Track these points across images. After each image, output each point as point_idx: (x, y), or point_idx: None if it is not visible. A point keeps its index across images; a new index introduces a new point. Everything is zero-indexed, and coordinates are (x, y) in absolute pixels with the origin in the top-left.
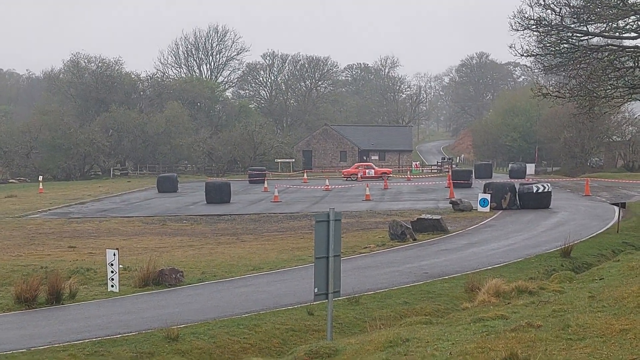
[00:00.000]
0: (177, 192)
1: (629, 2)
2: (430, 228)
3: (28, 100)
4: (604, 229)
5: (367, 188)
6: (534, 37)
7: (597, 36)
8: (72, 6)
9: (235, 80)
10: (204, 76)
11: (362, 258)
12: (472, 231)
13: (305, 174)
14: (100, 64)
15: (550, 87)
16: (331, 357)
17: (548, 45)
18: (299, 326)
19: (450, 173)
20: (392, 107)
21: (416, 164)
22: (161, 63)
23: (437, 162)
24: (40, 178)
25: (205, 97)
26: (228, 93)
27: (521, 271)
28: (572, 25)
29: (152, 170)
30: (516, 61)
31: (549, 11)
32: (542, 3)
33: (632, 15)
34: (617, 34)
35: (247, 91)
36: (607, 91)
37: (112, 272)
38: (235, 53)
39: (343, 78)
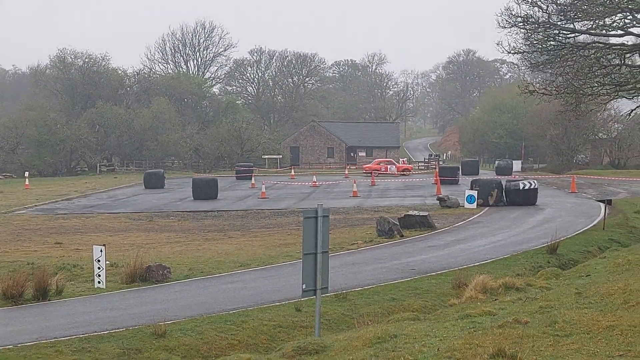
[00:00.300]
0: (164, 188)
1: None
2: (417, 224)
3: (14, 96)
4: (590, 225)
5: (355, 184)
6: (521, 35)
7: (584, 34)
8: (59, 1)
9: (223, 76)
10: (191, 72)
11: (350, 254)
12: (459, 228)
13: (292, 170)
14: (86, 60)
15: (537, 85)
16: (319, 354)
17: (535, 42)
18: (287, 322)
19: (437, 170)
20: (379, 104)
21: (403, 161)
22: (148, 59)
23: (424, 159)
24: (27, 174)
25: (192, 93)
26: (215, 89)
27: (508, 268)
28: (559, 23)
29: (139, 166)
30: (503, 58)
31: (536, 8)
32: (530, 0)
33: (619, 12)
34: (604, 31)
35: (234, 87)
36: (594, 88)
37: (99, 268)
38: (222, 49)
39: (330, 74)
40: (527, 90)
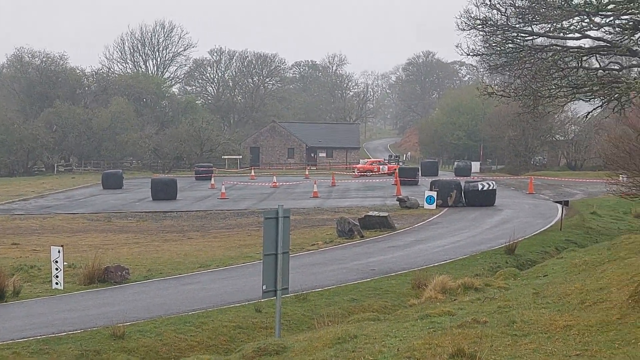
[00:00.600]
0: (123, 188)
1: (573, 3)
2: (377, 225)
3: None
4: (548, 226)
5: (315, 185)
6: (479, 37)
7: (542, 36)
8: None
9: (182, 76)
10: (150, 72)
11: (310, 255)
12: (418, 228)
13: (252, 171)
14: (44, 59)
15: (496, 87)
16: (279, 354)
17: (494, 45)
18: (247, 323)
19: (397, 170)
20: (339, 105)
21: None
22: (106, 58)
23: (384, 160)
24: None
25: (151, 93)
26: (174, 89)
27: (467, 268)
28: (517, 26)
29: (97, 167)
30: (462, 60)
31: (494, 11)
32: (488, 3)
33: (576, 16)
34: (561, 34)
35: (193, 87)
36: (551, 91)
37: (56, 269)
38: (181, 49)
39: (291, 75)
40: (486, 92)
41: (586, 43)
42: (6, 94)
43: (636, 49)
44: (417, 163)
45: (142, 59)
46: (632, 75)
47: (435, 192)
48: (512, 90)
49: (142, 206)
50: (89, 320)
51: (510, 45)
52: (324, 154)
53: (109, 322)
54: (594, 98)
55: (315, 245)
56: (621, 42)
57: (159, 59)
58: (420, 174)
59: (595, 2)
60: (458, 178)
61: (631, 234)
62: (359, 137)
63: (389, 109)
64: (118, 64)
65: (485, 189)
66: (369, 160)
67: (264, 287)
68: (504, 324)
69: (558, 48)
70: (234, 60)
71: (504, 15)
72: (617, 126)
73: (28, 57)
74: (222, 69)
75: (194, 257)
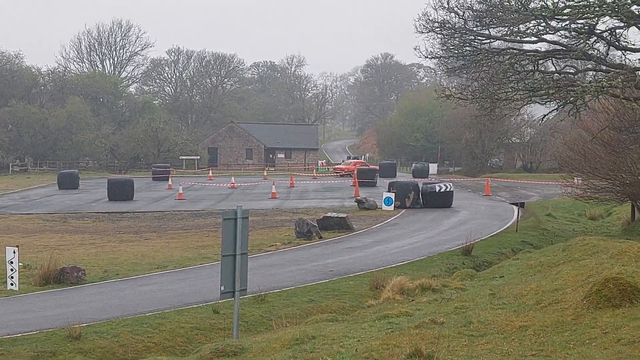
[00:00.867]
0: (79, 189)
1: (529, 7)
2: (336, 226)
3: None
4: (504, 228)
5: (274, 186)
6: (438, 40)
7: (499, 40)
8: None
9: (139, 75)
10: (107, 71)
11: (268, 256)
12: (377, 229)
13: (210, 172)
14: None
15: (453, 89)
16: (237, 356)
17: (451, 47)
18: (204, 325)
19: (355, 172)
20: (298, 106)
21: (322, 163)
22: (63, 57)
23: (343, 161)
24: None
25: (108, 93)
26: (132, 89)
27: (424, 269)
28: (475, 29)
29: (53, 167)
30: (420, 63)
31: (452, 15)
32: (446, 6)
33: (533, 20)
34: (518, 38)
35: (151, 87)
36: (508, 93)
37: (11, 270)
38: (139, 48)
39: (249, 76)
40: (444, 95)
41: (542, 47)
42: None
43: (591, 53)
44: (375, 164)
45: (99, 58)
46: (587, 78)
47: (394, 194)
48: (470, 93)
49: (99, 207)
50: (44, 322)
51: (467, 48)
52: (283, 155)
53: (65, 323)
54: (550, 101)
55: (273, 246)
56: (577, 46)
57: (116, 59)
58: (378, 176)
59: (551, 7)
60: (416, 180)
61: (586, 235)
62: (317, 138)
63: (347, 110)
64: (75, 63)
65: (442, 190)
66: (352, 161)
67: (222, 288)
68: (460, 325)
69: (515, 51)
70: (192, 60)
71: (462, 18)
72: (572, 129)
73: None
74: (180, 69)
75: (151, 258)
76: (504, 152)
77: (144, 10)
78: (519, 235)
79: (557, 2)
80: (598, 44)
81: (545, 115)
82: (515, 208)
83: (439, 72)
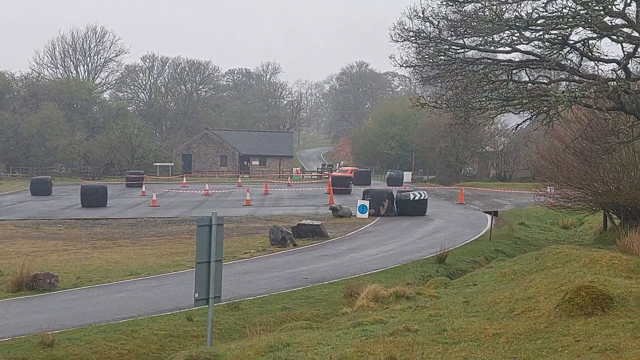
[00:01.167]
0: (52, 195)
1: (503, 17)
2: (310, 234)
3: None
4: (477, 236)
5: (248, 193)
6: (413, 49)
7: (473, 49)
8: None
9: (114, 82)
10: (81, 77)
11: (243, 263)
12: (351, 237)
13: (184, 178)
14: None
15: (428, 98)
16: None
17: (426, 56)
18: (178, 332)
19: (330, 179)
20: (273, 113)
21: (297, 170)
22: (36, 63)
23: (318, 169)
24: None
25: (82, 99)
26: (106, 95)
27: (399, 277)
28: (450, 38)
29: (25, 173)
30: (395, 71)
31: (427, 24)
32: (421, 16)
33: (507, 30)
34: (492, 47)
35: (125, 93)
36: (482, 103)
37: None
38: (113, 54)
39: (224, 83)
40: (418, 103)
41: (516, 57)
42: None
43: (564, 63)
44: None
45: (73, 64)
46: (560, 88)
47: (368, 201)
48: (444, 102)
49: (72, 213)
50: (16, 328)
51: (442, 57)
52: (257, 162)
53: (37, 330)
54: (523, 110)
55: (247, 254)
56: (550, 56)
57: (90, 65)
58: (353, 183)
59: (525, 17)
60: (390, 187)
61: (558, 244)
62: (292, 146)
63: (322, 118)
64: (48, 69)
65: (416, 198)
66: (349, 168)
67: (196, 295)
68: (434, 332)
69: (489, 61)
70: (166, 67)
71: (437, 28)
72: (545, 139)
73: None
74: (155, 76)
75: (124, 265)
76: (477, 161)
77: (119, 17)
78: (492, 243)
79: (531, 13)
80: (571, 55)
81: (518, 125)
82: (489, 216)
83: (414, 81)
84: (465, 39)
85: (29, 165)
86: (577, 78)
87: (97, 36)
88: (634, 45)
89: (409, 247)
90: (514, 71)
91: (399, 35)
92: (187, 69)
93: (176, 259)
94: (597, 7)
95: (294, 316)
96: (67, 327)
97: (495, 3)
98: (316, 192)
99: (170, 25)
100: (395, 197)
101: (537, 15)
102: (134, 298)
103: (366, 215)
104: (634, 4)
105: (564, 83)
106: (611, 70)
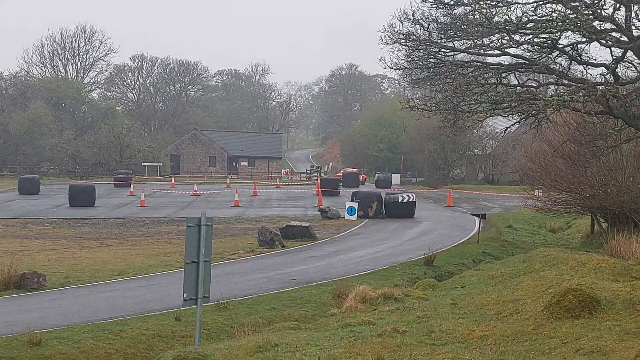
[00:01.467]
0: (39, 194)
1: (493, 20)
2: (299, 235)
3: None
4: (465, 239)
5: (237, 194)
6: (402, 51)
7: (463, 52)
8: None
9: (102, 81)
10: (70, 76)
11: (231, 264)
12: (339, 239)
13: (173, 179)
14: None
15: (417, 100)
16: None
17: (416, 59)
18: (166, 332)
19: (318, 181)
20: (262, 114)
21: (285, 172)
22: (25, 62)
23: (306, 170)
24: None
25: (71, 98)
26: (94, 94)
27: (387, 278)
28: (439, 41)
29: (13, 172)
30: (384, 73)
31: (417, 26)
32: (411, 18)
33: (497, 33)
34: (482, 51)
35: (114, 93)
36: (471, 106)
37: None
38: (102, 54)
39: (213, 83)
40: (408, 106)
41: (505, 60)
42: None
43: (553, 67)
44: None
45: (62, 63)
46: (549, 92)
47: (357, 203)
48: (434, 105)
49: (60, 212)
50: (4, 327)
51: (432, 60)
52: (246, 163)
53: (25, 328)
54: (512, 114)
55: (236, 255)
56: (539, 60)
57: (79, 64)
58: (341, 185)
59: (515, 21)
60: (379, 190)
61: (546, 247)
62: (281, 147)
63: (311, 119)
64: (37, 67)
65: (405, 201)
66: (351, 169)
67: (185, 295)
68: (422, 334)
69: (478, 64)
70: (155, 67)
71: (427, 30)
72: (533, 142)
73: None
74: (144, 76)
75: (112, 265)
76: (466, 164)
77: (108, 16)
78: (480, 246)
79: (521, 17)
80: (560, 59)
81: (507, 128)
82: (477, 219)
83: (403, 83)
84: (455, 42)
85: (17, 164)
86: (565, 82)
87: (86, 35)
88: (623, 50)
89: (397, 249)
90: (504, 74)
91: (389, 37)
92: (176, 69)
93: (164, 259)
94: (586, 12)
95: (282, 317)
96: (55, 326)
97: (485, 6)
98: (305, 194)
99: (160, 25)
100: (383, 199)
101: (526, 18)
102: (122, 298)
103: (355, 217)
104: (622, 9)
105: (552, 87)
106: (600, 74)
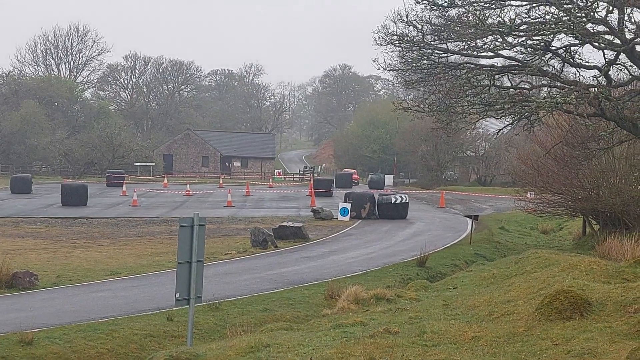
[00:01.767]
0: (31, 193)
1: (487, 22)
2: (291, 235)
3: None
4: (458, 240)
5: (229, 194)
6: (396, 52)
7: (456, 54)
8: None
9: (95, 80)
10: (62, 75)
11: (223, 264)
12: (332, 239)
13: (165, 179)
14: None
15: (411, 102)
16: None
17: (409, 60)
18: (158, 332)
19: (311, 182)
20: (255, 115)
21: (278, 172)
22: (18, 61)
23: (299, 171)
24: None
25: (64, 97)
26: (87, 94)
27: (379, 279)
28: (433, 43)
29: (5, 171)
30: (378, 75)
31: (411, 28)
32: (405, 20)
33: (490, 35)
34: (475, 52)
35: (107, 92)
36: (464, 107)
37: None
38: (96, 53)
39: (207, 83)
40: (401, 107)
41: (499, 62)
42: None
43: (546, 69)
44: (331, 175)
45: (55, 62)
46: (541, 94)
47: (349, 204)
48: (427, 106)
49: (52, 212)
50: None
51: (425, 61)
52: (239, 164)
53: (16, 328)
54: (505, 116)
55: (228, 255)
56: (532, 62)
57: (72, 63)
58: (334, 186)
59: (508, 23)
60: (372, 191)
61: (538, 249)
62: (274, 148)
63: (305, 120)
64: (30, 66)
65: (398, 202)
66: (354, 170)
67: (177, 295)
68: (414, 334)
69: (472, 66)
70: (148, 67)
71: (420, 32)
72: (526, 144)
73: None
74: (137, 75)
75: (104, 265)
76: (459, 165)
77: (101, 15)
78: (472, 247)
79: (514, 19)
80: (553, 61)
81: (500, 130)
82: (469, 221)
83: (397, 85)
84: (448, 44)
85: (9, 163)
86: (558, 84)
87: (79, 34)
88: (615, 52)
89: (390, 250)
90: (497, 76)
91: (382, 38)
92: (169, 68)
93: (156, 259)
94: (579, 14)
95: (274, 317)
96: (47, 325)
97: (478, 8)
98: (298, 194)
99: (153, 24)
100: (376, 200)
101: (520, 21)
102: (114, 298)
103: (347, 217)
104: (615, 11)
105: (545, 89)
106: (592, 76)
